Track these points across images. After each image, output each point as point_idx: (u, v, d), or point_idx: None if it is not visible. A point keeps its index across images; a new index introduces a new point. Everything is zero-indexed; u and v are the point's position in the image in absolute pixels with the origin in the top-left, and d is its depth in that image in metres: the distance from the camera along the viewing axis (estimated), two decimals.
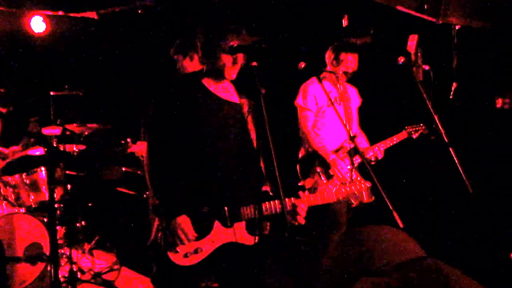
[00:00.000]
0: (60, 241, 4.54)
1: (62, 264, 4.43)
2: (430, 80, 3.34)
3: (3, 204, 4.29)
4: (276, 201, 2.40)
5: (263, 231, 2.45)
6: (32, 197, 4.43)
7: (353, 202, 2.52)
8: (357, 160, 3.91)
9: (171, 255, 2.41)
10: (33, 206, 4.42)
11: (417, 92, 3.17)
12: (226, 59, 2.45)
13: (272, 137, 2.29)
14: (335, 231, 3.94)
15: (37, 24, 5.85)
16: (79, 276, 4.41)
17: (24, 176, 4.43)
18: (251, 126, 2.58)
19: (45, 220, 4.23)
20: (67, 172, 4.67)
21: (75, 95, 5.13)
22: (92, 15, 6.14)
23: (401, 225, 2.97)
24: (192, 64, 3.87)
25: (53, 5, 5.85)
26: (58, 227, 4.48)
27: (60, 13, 6.01)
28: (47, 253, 4.10)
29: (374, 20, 4.71)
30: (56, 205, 4.54)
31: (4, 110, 4.47)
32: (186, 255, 2.41)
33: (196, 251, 2.41)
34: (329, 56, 4.07)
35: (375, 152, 3.97)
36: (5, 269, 3.89)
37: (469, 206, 3.51)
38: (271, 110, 2.32)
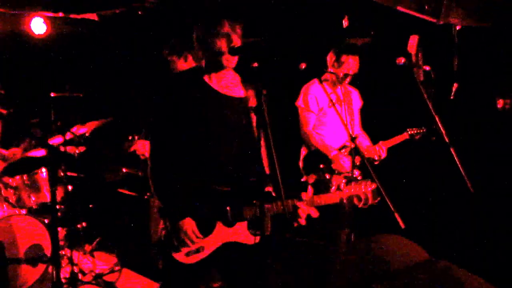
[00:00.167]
0: (61, 243, 4.53)
1: (63, 265, 4.43)
2: (431, 81, 3.34)
3: (4, 205, 4.29)
4: (278, 202, 2.40)
5: (264, 231, 2.44)
6: (33, 198, 4.43)
7: (357, 203, 2.52)
8: (359, 160, 3.92)
9: (174, 253, 2.43)
10: (34, 207, 4.41)
11: (418, 92, 3.17)
12: (221, 42, 2.42)
13: (274, 138, 2.29)
14: (340, 229, 3.95)
15: (38, 26, 5.86)
16: (80, 277, 4.40)
17: (25, 178, 4.42)
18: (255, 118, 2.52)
19: (46, 221, 4.23)
20: (68, 173, 4.67)
21: (75, 97, 5.14)
22: (93, 16, 6.14)
23: (402, 226, 2.97)
24: (186, 65, 3.87)
25: (54, 6, 5.86)
26: (59, 229, 4.48)
27: (61, 14, 6.02)
28: (48, 254, 4.10)
29: (374, 21, 4.72)
30: (57, 207, 4.54)
31: (4, 112, 4.47)
32: (188, 254, 2.42)
33: (198, 250, 2.42)
34: (330, 58, 4.11)
35: (378, 151, 3.98)
36: (6, 270, 3.88)
37: (470, 206, 3.52)
38: (273, 110, 2.32)
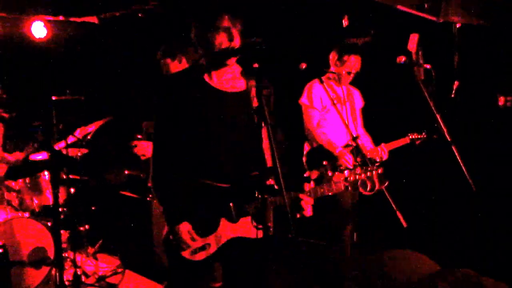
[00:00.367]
0: (64, 245, 4.54)
1: (66, 267, 4.44)
2: (432, 79, 3.34)
3: (7, 208, 4.30)
4: (281, 195, 2.32)
5: (267, 225, 2.43)
6: (36, 201, 4.45)
7: (363, 190, 2.42)
8: (360, 159, 3.93)
9: (181, 251, 2.44)
10: (36, 210, 4.43)
11: (418, 91, 3.17)
12: (221, 37, 2.38)
13: (276, 135, 2.29)
14: (343, 228, 3.96)
15: (38, 29, 5.87)
16: (83, 279, 4.41)
17: (27, 181, 4.44)
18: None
19: (49, 224, 4.24)
20: (70, 176, 4.68)
21: (76, 100, 5.15)
22: (93, 19, 6.15)
23: (404, 225, 2.98)
24: (180, 67, 3.87)
25: (54, 10, 5.87)
26: (61, 231, 4.49)
27: (61, 18, 6.03)
28: (51, 257, 4.11)
29: (374, 20, 4.72)
30: (59, 209, 4.55)
31: (6, 116, 4.49)
32: (195, 251, 2.43)
33: (204, 247, 2.43)
34: (333, 57, 4.14)
35: (380, 152, 3.99)
36: (10, 273, 3.89)
37: (472, 204, 3.52)
38: (275, 108, 2.31)
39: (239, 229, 2.44)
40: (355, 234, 4.03)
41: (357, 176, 2.44)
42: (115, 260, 4.91)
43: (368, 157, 3.93)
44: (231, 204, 2.42)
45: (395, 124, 4.33)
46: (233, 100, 2.49)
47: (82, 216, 4.86)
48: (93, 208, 5.18)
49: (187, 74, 2.58)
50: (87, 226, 4.86)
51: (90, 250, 4.82)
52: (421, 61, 3.90)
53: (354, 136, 3.32)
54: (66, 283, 4.11)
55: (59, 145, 4.61)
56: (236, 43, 2.40)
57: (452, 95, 4.09)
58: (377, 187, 2.42)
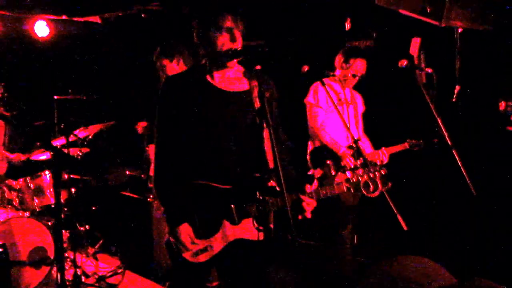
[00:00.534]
0: (64, 245, 4.54)
1: (66, 268, 4.44)
2: (433, 83, 3.35)
3: (8, 208, 4.31)
4: (282, 196, 2.33)
5: (269, 226, 2.42)
6: (36, 201, 4.44)
7: (365, 192, 2.41)
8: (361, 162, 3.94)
9: (183, 253, 2.44)
10: (37, 210, 4.43)
11: (420, 95, 3.17)
12: (224, 38, 2.39)
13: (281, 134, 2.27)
14: (343, 228, 3.97)
15: (41, 28, 5.89)
16: (83, 279, 4.42)
17: (28, 180, 4.44)
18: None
19: (49, 224, 4.25)
20: (71, 176, 4.69)
21: (79, 99, 5.16)
22: (96, 19, 6.17)
23: (405, 228, 2.98)
24: (178, 68, 3.87)
25: (57, 9, 5.88)
26: (62, 231, 4.50)
27: (64, 17, 6.04)
28: (51, 257, 4.11)
29: (377, 23, 4.73)
30: (57, 209, 4.55)
31: (8, 114, 4.49)
32: (197, 253, 2.43)
33: (206, 249, 2.43)
34: (339, 59, 4.19)
35: (381, 156, 4.00)
36: (10, 273, 3.90)
37: (472, 208, 3.52)
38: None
39: (241, 231, 2.44)
40: (355, 236, 4.03)
41: (359, 178, 2.43)
42: (115, 261, 4.92)
43: (369, 160, 3.94)
44: (232, 205, 2.42)
45: (396, 127, 4.33)
46: (236, 100, 2.49)
47: (82, 216, 4.87)
48: (93, 208, 5.18)
49: (189, 75, 2.58)
50: (87, 226, 4.87)
51: (90, 250, 4.83)
52: (422, 65, 3.91)
53: (356, 139, 3.32)
54: (66, 283, 4.11)
55: (57, 142, 4.61)
56: (238, 44, 2.41)
57: (453, 99, 4.09)
58: (379, 188, 2.41)
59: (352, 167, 2.96)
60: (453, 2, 3.45)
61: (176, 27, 5.34)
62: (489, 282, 2.02)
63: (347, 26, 4.84)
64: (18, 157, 4.73)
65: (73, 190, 4.75)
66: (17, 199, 4.43)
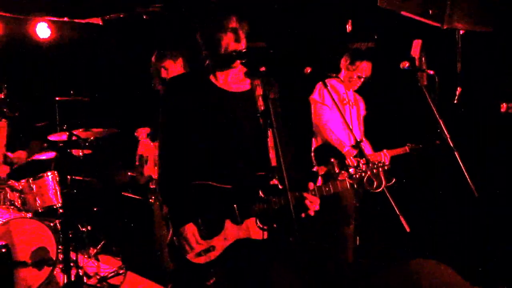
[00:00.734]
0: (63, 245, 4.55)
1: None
2: (435, 85, 3.35)
3: (10, 208, 4.31)
4: (285, 194, 2.31)
5: (272, 226, 2.42)
6: (39, 201, 4.45)
7: (369, 187, 2.40)
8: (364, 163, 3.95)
9: (186, 254, 2.43)
10: (39, 210, 4.44)
11: (421, 96, 3.18)
12: (228, 38, 2.39)
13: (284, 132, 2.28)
14: (345, 226, 3.98)
15: (43, 30, 5.90)
16: (85, 280, 4.42)
17: (30, 181, 4.45)
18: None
19: (52, 224, 4.25)
20: (73, 176, 4.69)
21: (80, 101, 5.17)
22: (97, 21, 6.18)
23: (407, 229, 2.99)
24: (180, 70, 3.88)
25: (59, 11, 5.90)
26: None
27: (66, 19, 6.06)
28: (53, 257, 4.12)
29: (378, 25, 4.74)
30: (61, 210, 4.56)
31: (10, 115, 4.50)
32: (199, 254, 2.42)
33: (208, 250, 2.42)
34: (345, 60, 4.23)
35: (382, 158, 4.02)
36: (13, 273, 3.90)
37: (474, 210, 3.53)
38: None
39: (244, 231, 2.42)
40: (357, 237, 4.04)
41: (362, 174, 2.43)
42: (116, 261, 4.92)
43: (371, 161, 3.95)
44: (235, 205, 2.41)
45: (397, 129, 4.34)
46: (239, 100, 2.49)
47: (84, 217, 4.88)
48: (95, 209, 5.19)
49: (192, 76, 2.59)
50: (89, 227, 4.87)
51: (92, 251, 4.83)
52: (424, 67, 3.92)
53: (358, 140, 3.33)
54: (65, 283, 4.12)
55: (56, 137, 4.61)
56: (242, 44, 2.41)
57: (455, 101, 4.10)
58: (383, 184, 2.41)
59: (356, 165, 2.95)
60: (454, 4, 3.46)
61: (177, 29, 5.36)
62: None
63: (348, 28, 4.85)
64: (19, 157, 4.74)
65: (75, 191, 4.75)
66: (19, 200, 4.43)
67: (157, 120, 2.55)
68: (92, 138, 4.85)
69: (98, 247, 4.93)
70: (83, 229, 4.83)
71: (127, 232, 5.30)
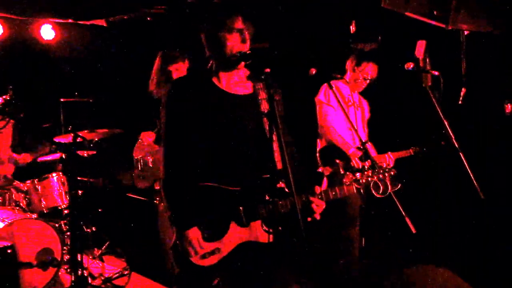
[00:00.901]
0: (70, 247, 4.56)
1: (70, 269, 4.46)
2: (440, 86, 3.35)
3: (15, 209, 4.33)
4: (291, 198, 2.34)
5: (278, 228, 2.41)
6: (44, 202, 4.47)
7: (375, 193, 2.40)
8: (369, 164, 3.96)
9: (190, 256, 2.42)
10: (44, 211, 4.46)
11: (425, 97, 3.18)
12: (234, 39, 2.38)
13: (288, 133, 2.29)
14: (351, 227, 3.98)
15: (47, 32, 5.93)
16: (89, 281, 4.42)
17: (35, 182, 4.47)
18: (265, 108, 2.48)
19: (56, 225, 4.27)
20: (78, 177, 4.70)
21: (85, 102, 5.19)
22: (101, 22, 6.21)
23: (413, 231, 2.98)
24: (185, 71, 3.88)
25: (63, 13, 5.92)
26: (68, 233, 4.52)
27: (70, 20, 6.08)
28: (58, 258, 4.13)
29: (381, 26, 4.74)
30: (66, 211, 4.58)
31: (15, 117, 4.51)
32: (204, 256, 2.41)
33: (213, 252, 2.41)
34: (351, 62, 4.23)
35: (387, 160, 4.02)
36: (18, 274, 3.91)
37: (480, 211, 3.52)
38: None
39: (249, 233, 2.42)
40: (363, 238, 4.04)
41: (369, 179, 2.42)
42: (121, 262, 4.93)
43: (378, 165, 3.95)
44: (240, 207, 2.40)
45: (402, 130, 4.34)
46: (242, 103, 2.49)
47: (88, 218, 4.89)
48: (100, 210, 5.20)
49: (195, 77, 2.58)
50: (93, 228, 4.88)
51: (97, 251, 4.84)
52: (428, 68, 3.92)
53: (364, 141, 3.33)
54: (72, 284, 4.13)
55: (62, 139, 4.63)
56: (247, 46, 2.41)
57: (459, 102, 4.09)
58: (389, 189, 2.40)
59: (360, 167, 2.95)
60: (459, 5, 3.45)
61: (181, 30, 5.37)
62: None
63: (352, 29, 4.85)
64: (24, 158, 4.76)
65: (79, 192, 4.76)
66: (24, 201, 4.45)
67: (160, 124, 2.55)
68: (96, 139, 4.86)
69: (102, 248, 4.94)
70: (88, 230, 4.83)
71: (132, 233, 5.31)
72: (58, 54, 6.14)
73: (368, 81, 4.20)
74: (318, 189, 2.41)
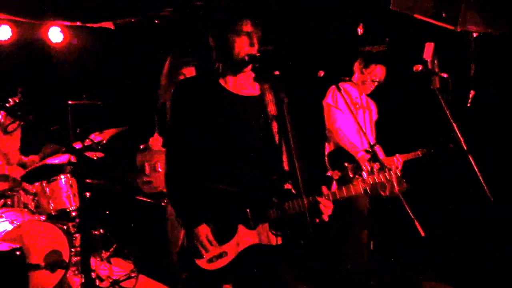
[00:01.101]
0: (78, 249, 4.57)
1: (81, 271, 4.46)
2: (448, 88, 3.34)
3: (24, 211, 4.34)
4: (299, 199, 2.34)
5: (286, 231, 2.40)
6: (52, 204, 4.48)
7: (382, 193, 2.39)
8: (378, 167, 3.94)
9: (196, 260, 2.40)
10: (53, 213, 4.47)
11: (434, 100, 3.17)
12: (242, 42, 2.38)
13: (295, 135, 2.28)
14: (359, 230, 3.97)
15: (55, 35, 5.96)
16: (97, 283, 4.44)
17: (44, 184, 4.48)
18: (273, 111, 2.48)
19: (65, 227, 4.28)
20: (86, 180, 4.72)
21: (93, 104, 5.20)
22: (109, 25, 6.23)
23: (422, 234, 2.97)
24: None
25: (71, 16, 5.95)
26: (76, 235, 4.53)
27: (78, 23, 6.11)
28: (66, 260, 4.14)
29: (389, 28, 4.73)
30: (74, 213, 4.59)
31: (24, 119, 4.54)
32: (211, 260, 2.39)
33: (221, 255, 2.39)
34: (359, 64, 4.22)
35: (396, 162, 4.01)
36: (27, 276, 3.92)
37: (489, 214, 3.50)
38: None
39: (257, 236, 2.40)
40: (371, 242, 4.02)
41: (376, 179, 2.41)
42: (129, 265, 4.93)
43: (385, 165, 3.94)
44: (248, 210, 2.39)
45: (411, 132, 4.33)
46: (249, 104, 2.48)
47: (96, 220, 4.90)
48: (107, 212, 5.21)
49: (202, 79, 2.59)
50: (101, 230, 4.89)
51: (104, 254, 4.85)
52: (437, 70, 3.90)
53: (372, 144, 3.32)
54: (79, 287, 4.13)
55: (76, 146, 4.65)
56: (255, 49, 2.41)
57: (468, 104, 4.07)
58: (396, 190, 2.39)
59: (370, 170, 2.94)
60: (468, 7, 3.45)
61: (188, 33, 5.38)
62: None
63: (360, 31, 4.84)
64: (32, 160, 4.78)
65: (87, 194, 4.77)
66: (33, 203, 4.47)
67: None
68: (105, 141, 4.87)
69: (110, 250, 4.94)
70: (96, 232, 4.84)
71: (140, 235, 5.31)
72: (66, 56, 6.16)
73: (376, 83, 4.20)
74: (325, 190, 2.40)
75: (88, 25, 6.17)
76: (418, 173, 4.26)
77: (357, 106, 4.15)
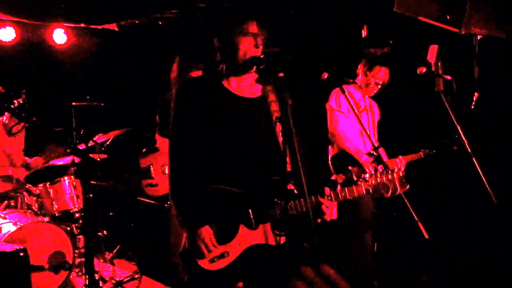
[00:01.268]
0: (81, 250, 4.58)
1: (84, 272, 4.47)
2: (452, 90, 3.34)
3: (27, 213, 4.35)
4: (301, 200, 2.34)
5: (288, 231, 2.40)
6: (56, 206, 4.49)
7: (384, 193, 2.38)
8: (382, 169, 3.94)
9: (198, 260, 2.40)
10: (56, 215, 4.48)
11: (438, 102, 3.17)
12: (247, 43, 2.38)
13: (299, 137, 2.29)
14: (363, 232, 3.96)
15: (59, 36, 5.98)
16: (100, 284, 4.44)
17: (47, 186, 4.49)
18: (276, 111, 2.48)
19: (68, 229, 4.28)
20: (91, 181, 4.72)
21: (96, 106, 5.22)
22: (113, 27, 6.24)
23: (426, 236, 2.97)
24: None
25: (75, 17, 5.96)
26: (80, 236, 4.54)
27: (82, 25, 6.12)
28: (70, 261, 4.15)
29: (393, 30, 4.73)
30: (78, 214, 4.60)
31: (27, 120, 4.54)
32: (213, 260, 2.39)
33: (222, 256, 2.39)
34: (363, 65, 4.22)
35: (399, 164, 4.00)
36: (30, 277, 3.93)
37: (493, 216, 3.49)
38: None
39: (259, 236, 2.40)
40: (375, 244, 4.01)
41: (378, 179, 2.41)
42: (132, 266, 4.94)
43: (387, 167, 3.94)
44: (250, 210, 2.38)
45: (415, 134, 4.32)
46: (252, 106, 2.48)
47: (100, 222, 4.90)
48: (111, 213, 5.22)
49: (205, 79, 2.59)
50: (105, 232, 4.90)
51: (108, 255, 4.85)
52: (440, 72, 3.90)
53: (376, 146, 3.32)
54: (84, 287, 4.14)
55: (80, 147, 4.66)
56: (260, 51, 2.41)
57: (472, 107, 4.07)
58: (398, 190, 2.38)
59: (373, 172, 2.93)
60: (473, 9, 3.44)
61: (193, 35, 5.39)
62: None
63: (364, 33, 4.84)
64: (36, 161, 4.79)
65: (91, 195, 4.78)
66: (36, 204, 4.48)
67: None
68: (108, 142, 4.88)
69: (113, 252, 4.95)
70: (99, 234, 4.85)
71: (143, 236, 5.31)
72: (70, 58, 6.18)
73: (379, 85, 4.19)
74: (327, 191, 2.40)
75: (92, 26, 6.18)
76: (421, 176, 4.26)
77: (361, 108, 4.13)
